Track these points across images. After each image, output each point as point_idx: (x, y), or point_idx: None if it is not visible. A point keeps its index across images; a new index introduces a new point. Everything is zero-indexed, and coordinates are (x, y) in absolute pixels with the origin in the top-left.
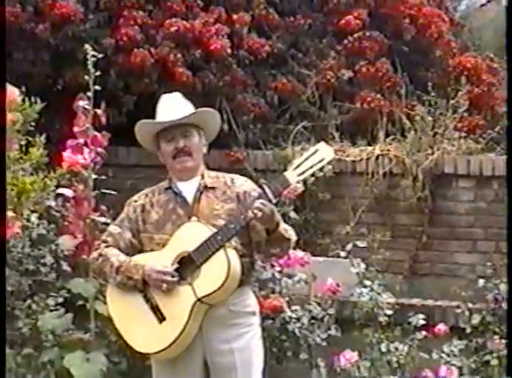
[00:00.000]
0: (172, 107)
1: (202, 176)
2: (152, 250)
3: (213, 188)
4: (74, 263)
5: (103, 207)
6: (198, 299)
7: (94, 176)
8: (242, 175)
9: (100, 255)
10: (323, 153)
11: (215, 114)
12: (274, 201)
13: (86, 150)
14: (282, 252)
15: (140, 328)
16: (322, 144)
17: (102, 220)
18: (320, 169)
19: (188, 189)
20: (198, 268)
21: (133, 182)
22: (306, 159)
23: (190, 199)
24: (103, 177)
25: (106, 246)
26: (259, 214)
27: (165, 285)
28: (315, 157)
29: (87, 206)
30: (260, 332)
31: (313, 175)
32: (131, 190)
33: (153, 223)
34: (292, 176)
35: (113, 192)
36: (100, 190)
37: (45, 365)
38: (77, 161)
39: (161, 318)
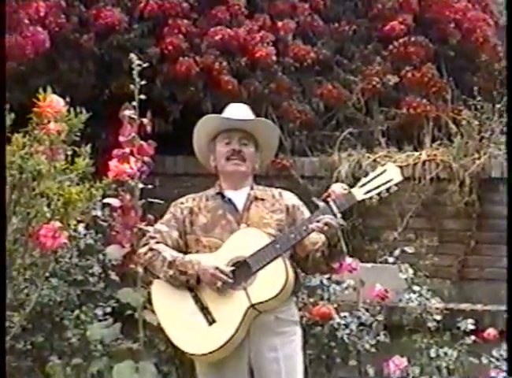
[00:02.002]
0: (239, 111)
1: (251, 188)
2: (198, 252)
3: (262, 199)
4: (122, 273)
5: (150, 216)
6: (252, 305)
7: (140, 186)
8: (289, 182)
9: (150, 249)
10: (391, 174)
11: (275, 130)
12: (338, 216)
13: (132, 159)
14: (337, 265)
15: (187, 328)
16: (390, 165)
17: (150, 229)
18: (387, 190)
19: (238, 198)
20: (253, 274)
21: (180, 191)
22: (374, 178)
23: (240, 207)
24: (150, 186)
25: (156, 242)
26: (325, 228)
27: (220, 283)
28: (383, 177)
29: (134, 216)
30: (301, 343)
31: (378, 194)
32: (179, 199)
33: (201, 226)
34: (359, 193)
35: (160, 201)
36: (147, 200)
37: (94, 375)
38: (123, 171)
39: (211, 320)
